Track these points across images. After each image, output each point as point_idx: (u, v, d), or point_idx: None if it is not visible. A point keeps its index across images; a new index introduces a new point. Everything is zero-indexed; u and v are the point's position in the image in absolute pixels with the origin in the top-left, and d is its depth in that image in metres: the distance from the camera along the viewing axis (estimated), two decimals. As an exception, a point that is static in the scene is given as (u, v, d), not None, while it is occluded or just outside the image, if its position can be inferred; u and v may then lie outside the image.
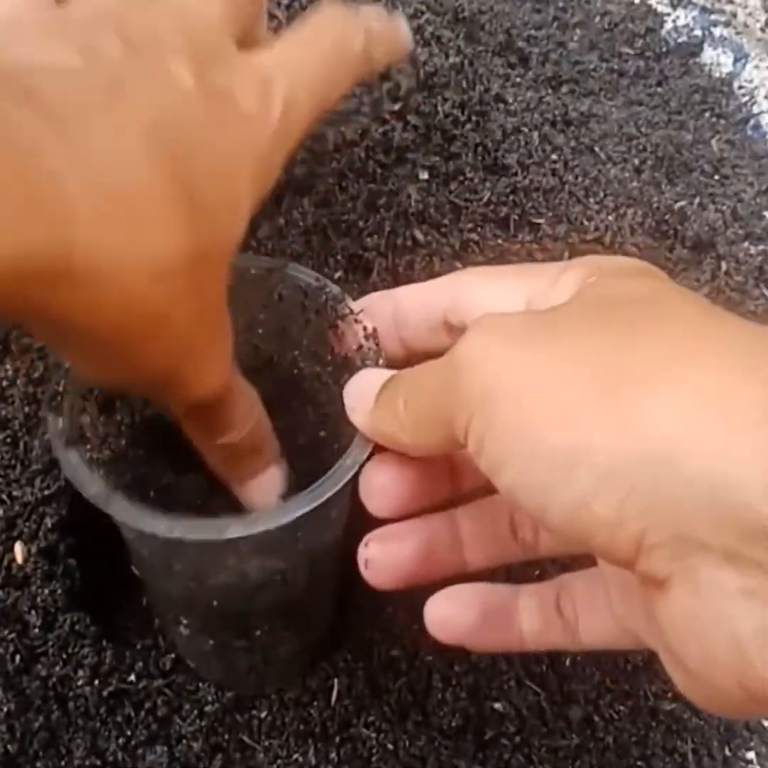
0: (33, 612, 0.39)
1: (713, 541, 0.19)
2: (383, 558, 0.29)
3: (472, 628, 0.29)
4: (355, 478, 0.29)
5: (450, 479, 0.30)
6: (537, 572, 0.39)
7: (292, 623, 0.38)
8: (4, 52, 0.23)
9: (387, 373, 0.29)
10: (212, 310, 0.26)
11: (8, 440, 0.40)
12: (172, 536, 0.27)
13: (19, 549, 0.39)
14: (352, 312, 0.33)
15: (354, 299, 0.34)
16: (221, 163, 0.25)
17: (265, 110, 0.26)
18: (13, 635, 0.38)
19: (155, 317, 0.24)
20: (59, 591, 0.39)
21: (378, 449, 0.29)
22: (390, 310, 0.32)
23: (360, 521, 0.30)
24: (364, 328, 0.32)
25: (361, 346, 0.32)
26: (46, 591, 0.39)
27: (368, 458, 0.29)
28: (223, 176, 0.25)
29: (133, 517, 0.28)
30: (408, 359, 0.32)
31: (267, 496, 0.34)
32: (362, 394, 0.29)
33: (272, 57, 0.28)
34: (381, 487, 0.29)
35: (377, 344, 0.32)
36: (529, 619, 0.29)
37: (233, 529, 0.28)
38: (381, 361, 0.32)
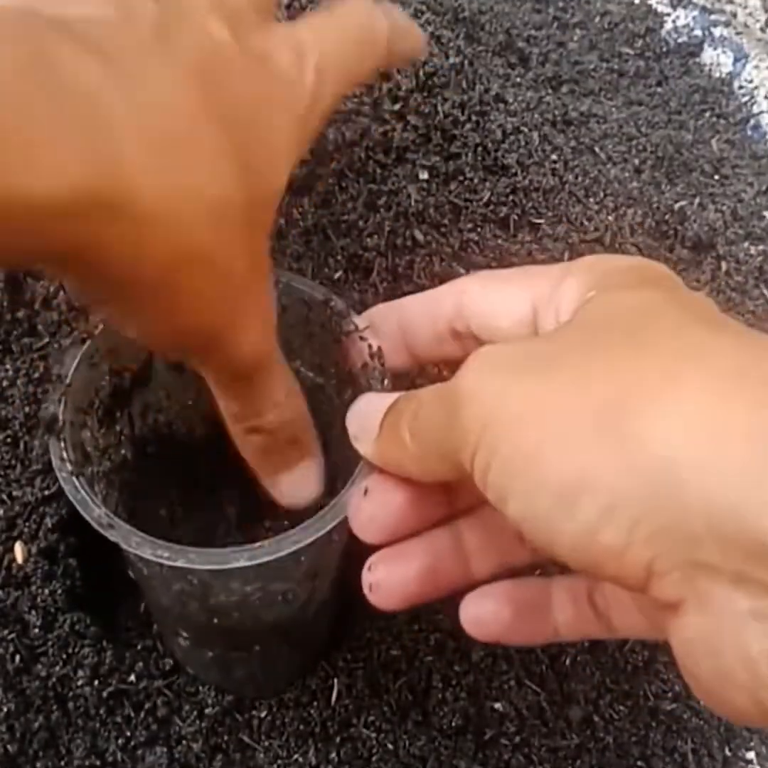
0: (33, 612, 0.39)
1: (721, 563, 0.19)
2: (389, 580, 0.28)
3: (509, 625, 0.29)
4: None
5: (446, 498, 0.29)
6: (538, 572, 0.39)
7: (292, 637, 0.38)
8: (44, 9, 0.23)
9: (389, 398, 0.28)
10: (254, 263, 0.26)
11: (8, 440, 0.40)
12: (176, 565, 0.27)
13: (19, 549, 0.39)
14: (357, 328, 0.32)
15: (354, 299, 0.33)
16: (262, 116, 0.25)
17: (300, 75, 0.27)
18: (13, 635, 0.38)
19: (202, 260, 0.24)
20: (59, 591, 0.39)
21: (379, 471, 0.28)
22: (396, 320, 0.32)
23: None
24: (370, 347, 0.31)
25: (366, 365, 0.31)
26: (46, 591, 0.39)
27: None
28: (265, 129, 0.25)
29: (137, 544, 0.27)
30: (417, 369, 0.31)
31: (299, 492, 0.32)
32: (366, 422, 0.28)
33: (304, 29, 0.28)
34: (369, 517, 0.28)
35: (383, 364, 0.31)
36: (563, 611, 0.29)
37: (238, 559, 0.27)
38: (386, 382, 0.31)
